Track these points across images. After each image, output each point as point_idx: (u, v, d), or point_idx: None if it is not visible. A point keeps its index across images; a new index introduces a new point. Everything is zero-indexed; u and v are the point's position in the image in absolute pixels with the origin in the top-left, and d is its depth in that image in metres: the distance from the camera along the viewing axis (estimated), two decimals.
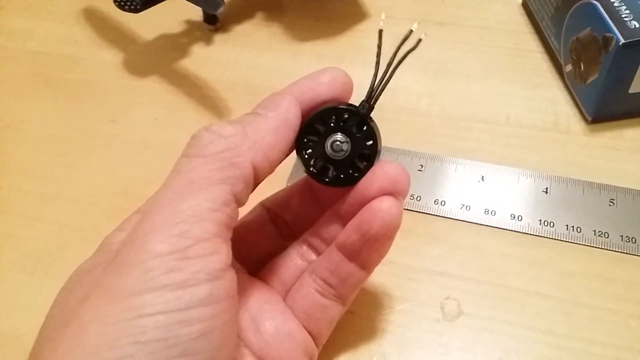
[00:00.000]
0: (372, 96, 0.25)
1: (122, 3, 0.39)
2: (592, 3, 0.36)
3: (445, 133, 0.38)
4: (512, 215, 0.34)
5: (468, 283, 0.31)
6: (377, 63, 0.25)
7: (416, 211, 0.34)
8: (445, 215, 0.34)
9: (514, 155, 0.37)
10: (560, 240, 0.33)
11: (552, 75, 0.41)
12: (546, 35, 0.42)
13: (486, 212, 0.34)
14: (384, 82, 0.25)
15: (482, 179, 0.36)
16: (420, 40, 0.24)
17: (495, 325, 0.30)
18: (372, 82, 0.25)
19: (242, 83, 0.42)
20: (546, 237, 0.33)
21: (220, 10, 0.35)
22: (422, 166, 0.36)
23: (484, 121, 0.39)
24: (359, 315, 0.30)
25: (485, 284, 0.31)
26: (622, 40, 0.34)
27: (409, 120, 0.39)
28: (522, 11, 0.46)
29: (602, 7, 0.35)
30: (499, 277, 0.32)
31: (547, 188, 0.35)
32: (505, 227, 0.33)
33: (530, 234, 0.33)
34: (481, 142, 0.38)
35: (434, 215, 0.34)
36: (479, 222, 0.34)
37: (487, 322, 0.30)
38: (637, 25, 0.34)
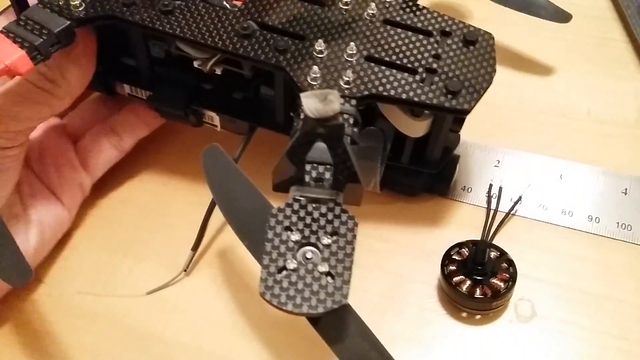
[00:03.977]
0: None
1: None
2: None
3: (523, 127, 0.38)
4: (590, 217, 0.34)
5: (542, 285, 0.32)
6: None
7: (491, 209, 0.35)
8: (523, 215, 0.35)
9: (594, 153, 0.37)
10: (638, 244, 0.33)
11: (636, 67, 0.40)
12: (631, 24, 0.41)
13: (563, 213, 0.34)
14: None
15: (561, 177, 0.36)
16: None
17: (568, 329, 0.31)
18: None
19: None
20: (623, 241, 0.33)
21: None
22: (498, 162, 0.37)
23: (564, 115, 0.39)
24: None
25: (560, 287, 0.32)
26: None
27: (486, 112, 0.39)
28: None
29: None
30: (574, 280, 0.32)
31: (626, 189, 0.35)
32: (582, 229, 0.34)
33: (607, 237, 0.33)
34: (560, 138, 0.38)
35: (509, 213, 0.35)
36: (555, 223, 0.34)
37: (560, 324, 0.31)
38: None
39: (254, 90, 0.34)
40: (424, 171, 0.34)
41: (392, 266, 0.33)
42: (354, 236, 0.25)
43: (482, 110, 0.39)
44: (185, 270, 0.33)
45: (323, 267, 0.24)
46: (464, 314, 0.31)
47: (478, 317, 0.31)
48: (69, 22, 0.29)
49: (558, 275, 0.32)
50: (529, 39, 0.43)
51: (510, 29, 0.43)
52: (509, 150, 0.37)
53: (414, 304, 0.32)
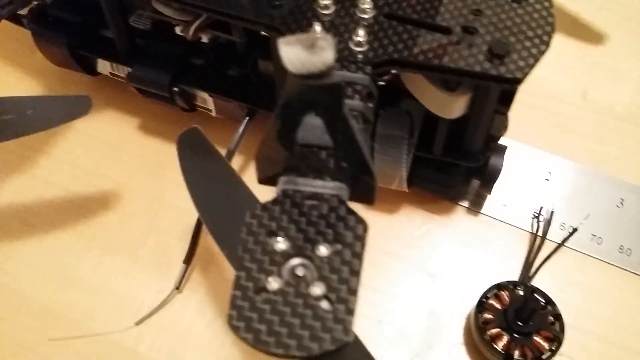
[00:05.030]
0: None
1: None
2: None
3: (584, 131, 0.32)
4: None
5: (588, 339, 0.27)
6: None
7: (533, 233, 0.29)
8: (571, 246, 0.29)
9: None
10: None
11: None
12: None
13: (620, 250, 0.29)
14: None
15: (622, 202, 0.30)
16: None
17: None
18: None
19: None
20: None
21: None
22: (549, 174, 0.31)
23: (635, 121, 0.32)
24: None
25: (608, 343, 0.27)
26: None
27: (539, 106, 0.33)
28: None
29: None
30: (626, 337, 0.27)
31: None
32: None
33: None
34: (626, 150, 0.31)
35: (556, 242, 0.29)
36: (609, 262, 0.29)
37: None
38: None
39: (252, 65, 0.27)
40: (461, 165, 0.27)
41: (410, 294, 0.28)
42: (363, 246, 0.18)
43: (534, 102, 0.33)
44: (177, 288, 0.27)
45: (319, 289, 0.17)
46: None
47: None
48: None
49: (607, 329, 0.27)
50: (598, 13, 0.35)
51: (573, 3, 0.35)
52: (563, 159, 0.31)
53: (434, 346, 0.27)
